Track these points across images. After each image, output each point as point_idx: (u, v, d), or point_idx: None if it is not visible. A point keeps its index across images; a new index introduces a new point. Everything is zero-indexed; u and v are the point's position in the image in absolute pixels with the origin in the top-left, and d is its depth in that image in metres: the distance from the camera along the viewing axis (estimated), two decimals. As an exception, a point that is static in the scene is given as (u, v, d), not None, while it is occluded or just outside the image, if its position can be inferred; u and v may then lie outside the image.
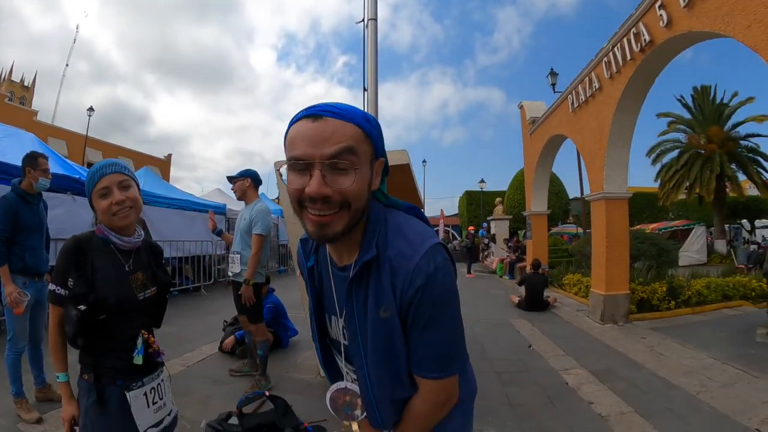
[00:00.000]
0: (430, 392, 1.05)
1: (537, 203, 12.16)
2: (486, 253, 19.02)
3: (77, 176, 7.08)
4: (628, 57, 6.51)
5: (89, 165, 23.56)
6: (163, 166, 34.61)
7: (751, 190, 20.89)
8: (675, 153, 20.52)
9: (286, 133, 0.94)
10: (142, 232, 1.77)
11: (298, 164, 0.90)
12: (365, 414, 1.12)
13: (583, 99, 7.99)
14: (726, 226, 20.60)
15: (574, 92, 8.42)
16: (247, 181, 4.12)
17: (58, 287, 1.57)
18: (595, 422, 3.44)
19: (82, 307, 1.51)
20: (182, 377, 4.30)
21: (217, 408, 3.45)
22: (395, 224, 1.02)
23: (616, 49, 6.79)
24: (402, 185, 4.87)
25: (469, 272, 15.68)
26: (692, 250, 17.38)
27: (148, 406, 1.65)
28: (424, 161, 36.01)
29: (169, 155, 39.06)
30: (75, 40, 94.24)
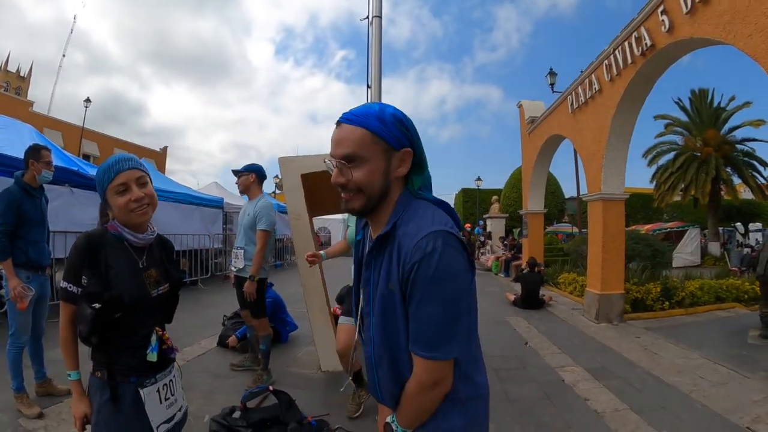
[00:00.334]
0: (419, 371, 1.11)
1: (534, 202, 12.24)
2: (482, 250, 19.09)
3: (75, 168, 7.04)
4: (629, 60, 6.57)
5: (85, 156, 23.52)
6: (158, 158, 34.43)
7: (746, 194, 21.15)
8: (671, 155, 20.70)
9: None
10: (155, 229, 1.74)
11: (330, 161, 1.17)
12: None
13: (583, 100, 8.06)
14: (720, 228, 20.82)
15: (573, 93, 8.48)
16: (251, 176, 4.12)
17: (71, 285, 1.54)
18: (591, 418, 3.52)
19: (97, 306, 1.48)
20: (183, 372, 4.31)
21: (219, 402, 3.46)
22: (414, 210, 1.15)
23: (617, 52, 6.85)
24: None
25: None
26: (686, 251, 17.50)
27: (161, 402, 1.65)
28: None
29: (165, 148, 38.83)
30: (72, 30, 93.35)
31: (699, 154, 19.40)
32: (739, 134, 19.77)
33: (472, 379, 1.20)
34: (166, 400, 1.67)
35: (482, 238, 20.49)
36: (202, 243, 10.73)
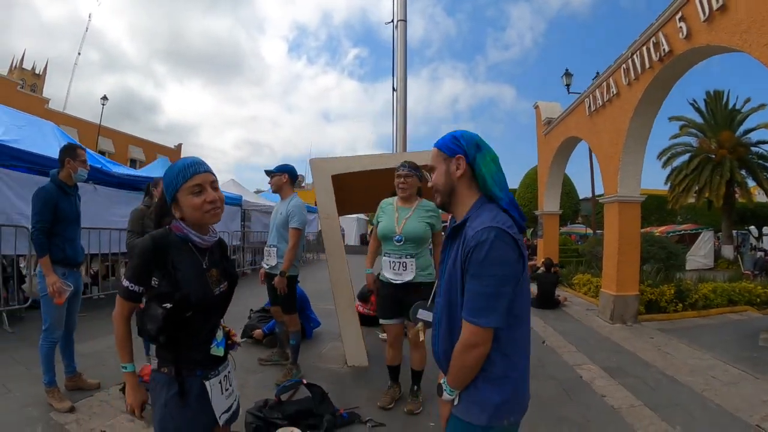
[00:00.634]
0: (464, 332, 1.41)
1: (549, 203, 12.29)
2: None
3: (99, 165, 7.18)
4: (647, 65, 6.66)
5: (101, 153, 23.84)
6: (173, 155, 34.71)
7: (760, 197, 20.97)
8: (686, 157, 20.57)
9: None
10: (216, 231, 1.81)
11: (428, 173, 1.66)
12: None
13: (601, 103, 8.15)
14: (734, 231, 20.63)
15: (591, 96, 8.57)
16: (284, 177, 4.24)
17: (133, 284, 1.59)
18: (608, 414, 3.68)
19: (168, 305, 1.54)
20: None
21: (250, 396, 3.53)
22: (482, 210, 1.48)
23: (635, 56, 6.94)
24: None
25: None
26: (699, 254, 17.40)
27: (222, 393, 1.74)
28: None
29: (180, 145, 39.33)
30: (87, 28, 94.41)
31: (713, 156, 19.28)
32: (754, 136, 19.63)
33: (510, 358, 1.45)
34: (225, 390, 1.77)
35: None
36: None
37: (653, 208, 24.76)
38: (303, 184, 40.13)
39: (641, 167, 7.55)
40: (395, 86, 5.38)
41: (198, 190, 1.62)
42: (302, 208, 4.17)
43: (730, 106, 20.07)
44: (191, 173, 1.62)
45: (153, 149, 35.26)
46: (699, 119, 20.79)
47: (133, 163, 30.61)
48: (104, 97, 27.77)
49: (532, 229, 15.79)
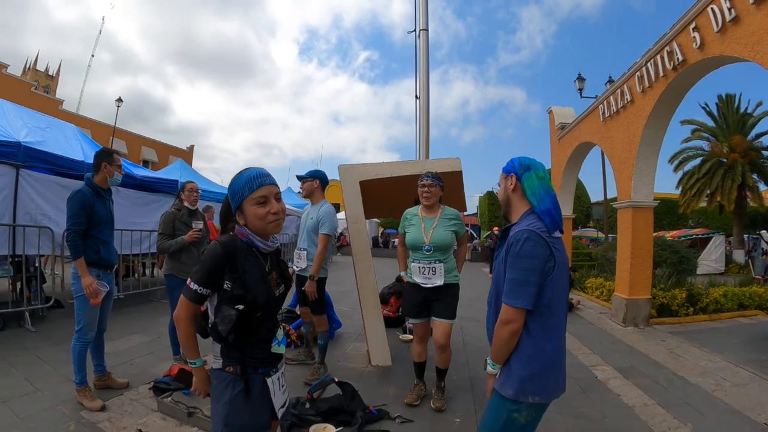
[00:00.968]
0: (501, 311, 1.78)
1: (563, 207, 12.19)
2: (495, 253, 19.14)
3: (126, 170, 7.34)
4: (661, 74, 6.79)
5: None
6: (185, 156, 34.81)
7: (772, 201, 20.81)
8: (697, 161, 20.51)
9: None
10: (277, 237, 1.89)
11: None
12: None
13: (615, 110, 8.28)
14: (745, 236, 20.57)
15: (605, 102, 8.70)
16: (315, 182, 4.41)
17: (202, 287, 1.67)
18: (623, 410, 3.87)
19: (241, 307, 1.62)
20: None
21: None
22: (525, 218, 1.88)
23: (649, 64, 7.08)
24: (452, 190, 5.08)
25: (491, 272, 15.87)
26: (710, 259, 17.37)
27: (279, 389, 1.83)
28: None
29: (192, 146, 39.70)
30: (101, 31, 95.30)
31: (725, 160, 19.25)
32: (765, 140, 19.54)
33: (537, 341, 1.77)
34: (282, 386, 1.88)
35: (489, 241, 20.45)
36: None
37: (664, 212, 24.70)
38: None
39: (654, 173, 7.67)
40: (418, 94, 5.55)
41: (263, 201, 1.70)
42: (333, 215, 4.32)
43: (742, 109, 20.02)
44: (258, 185, 1.70)
45: (165, 150, 35.67)
46: (711, 123, 20.77)
47: (146, 164, 30.93)
48: (119, 99, 28.05)
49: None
